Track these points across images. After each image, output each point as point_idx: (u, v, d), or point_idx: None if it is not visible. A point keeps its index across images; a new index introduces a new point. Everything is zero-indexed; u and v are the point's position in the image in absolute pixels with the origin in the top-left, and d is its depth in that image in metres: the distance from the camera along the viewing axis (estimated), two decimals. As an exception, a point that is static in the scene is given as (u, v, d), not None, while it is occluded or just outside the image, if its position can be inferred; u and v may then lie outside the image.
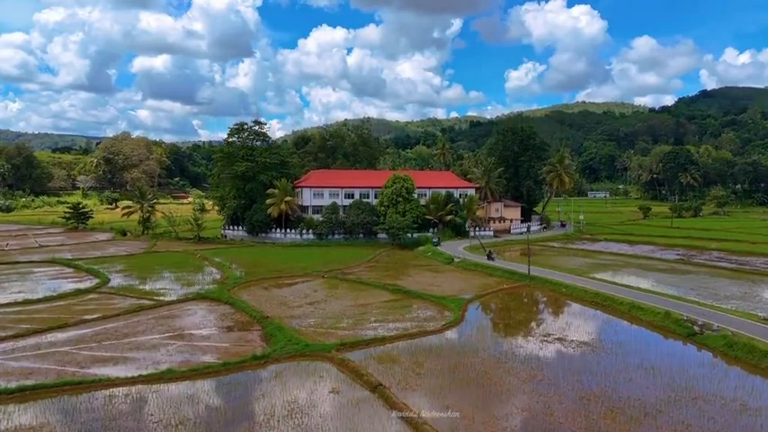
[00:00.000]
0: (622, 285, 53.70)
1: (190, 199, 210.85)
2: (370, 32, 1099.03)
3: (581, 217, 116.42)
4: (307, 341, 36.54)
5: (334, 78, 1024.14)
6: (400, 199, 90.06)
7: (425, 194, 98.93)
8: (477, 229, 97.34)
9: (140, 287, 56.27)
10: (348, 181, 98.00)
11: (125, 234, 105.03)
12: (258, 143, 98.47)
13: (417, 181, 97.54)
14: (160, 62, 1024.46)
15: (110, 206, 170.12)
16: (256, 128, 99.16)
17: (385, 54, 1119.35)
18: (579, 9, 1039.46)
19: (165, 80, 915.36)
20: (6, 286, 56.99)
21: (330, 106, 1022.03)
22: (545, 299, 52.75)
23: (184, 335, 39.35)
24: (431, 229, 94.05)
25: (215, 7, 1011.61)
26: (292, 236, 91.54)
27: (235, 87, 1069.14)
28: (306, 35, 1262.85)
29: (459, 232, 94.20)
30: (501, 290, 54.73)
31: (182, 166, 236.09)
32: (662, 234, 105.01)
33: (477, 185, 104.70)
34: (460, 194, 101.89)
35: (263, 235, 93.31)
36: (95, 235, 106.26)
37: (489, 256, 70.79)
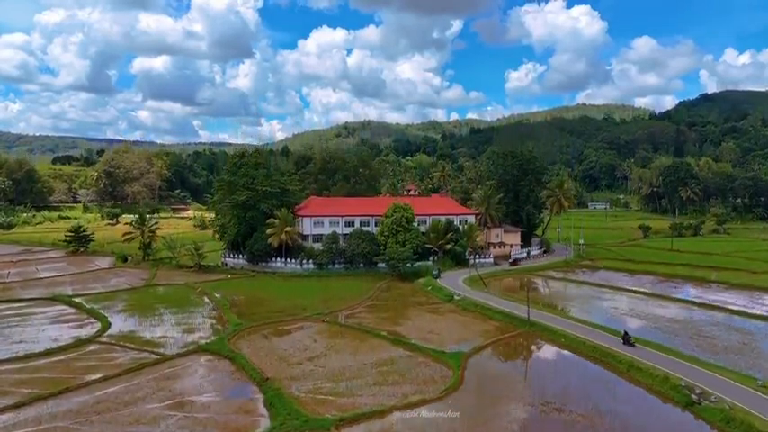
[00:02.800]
0: (621, 336, 53.70)
1: (190, 212, 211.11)
2: (370, 33, 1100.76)
3: (581, 241, 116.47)
4: (306, 414, 36.73)
5: (334, 79, 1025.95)
6: (400, 229, 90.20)
7: (425, 222, 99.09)
8: (476, 256, 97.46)
9: (140, 335, 56.51)
10: (348, 209, 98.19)
11: (126, 260, 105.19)
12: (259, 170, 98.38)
13: (417, 208, 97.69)
14: (160, 63, 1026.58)
15: (110, 222, 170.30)
16: (257, 159, 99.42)
17: (385, 55, 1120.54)
18: (579, 9, 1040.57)
19: (165, 81, 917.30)
20: (8, 333, 57.26)
21: (330, 107, 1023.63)
22: (544, 353, 52.85)
23: (185, 402, 39.52)
24: (431, 257, 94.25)
25: (215, 8, 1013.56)
26: (293, 265, 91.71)
27: (235, 88, 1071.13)
28: (306, 36, 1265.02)
29: (460, 261, 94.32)
30: (500, 340, 54.85)
31: (182, 178, 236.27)
32: (661, 260, 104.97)
33: (477, 212, 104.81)
34: (460, 221, 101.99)
35: (264, 264, 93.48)
36: (96, 260, 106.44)
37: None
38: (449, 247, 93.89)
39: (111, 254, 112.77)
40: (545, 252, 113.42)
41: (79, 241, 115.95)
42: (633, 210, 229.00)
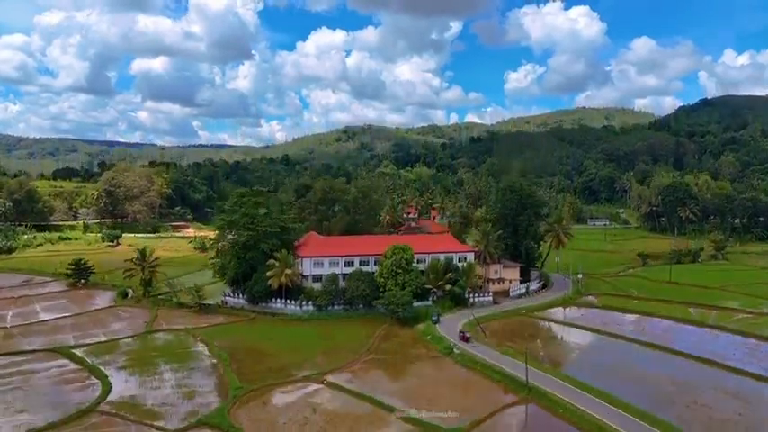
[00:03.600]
0: (620, 407, 54.08)
1: (190, 230, 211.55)
2: (369, 35, 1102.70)
3: (579, 275, 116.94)
4: None
5: (333, 80, 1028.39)
6: (399, 270, 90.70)
7: (425, 260, 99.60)
8: (475, 295, 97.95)
9: (141, 401, 56.93)
10: (347, 249, 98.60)
11: (126, 295, 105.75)
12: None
13: (416, 246, 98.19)
14: (159, 64, 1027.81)
15: (111, 244, 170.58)
16: (257, 198, 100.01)
17: (384, 56, 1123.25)
18: (578, 10, 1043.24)
19: (164, 82, 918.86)
20: (10, 399, 57.71)
21: (330, 108, 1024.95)
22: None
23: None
24: (430, 297, 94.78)
25: (213, 9, 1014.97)
26: (292, 307, 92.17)
27: (234, 89, 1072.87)
28: (305, 37, 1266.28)
29: (459, 301, 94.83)
30: (500, 410, 55.22)
31: (182, 194, 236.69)
32: (659, 296, 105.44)
33: (476, 249, 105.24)
34: (459, 258, 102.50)
35: (264, 304, 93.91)
36: (97, 296, 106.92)
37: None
38: (448, 287, 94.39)
39: (111, 287, 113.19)
40: (544, 286, 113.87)
41: (80, 274, 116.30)
42: (633, 227, 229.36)
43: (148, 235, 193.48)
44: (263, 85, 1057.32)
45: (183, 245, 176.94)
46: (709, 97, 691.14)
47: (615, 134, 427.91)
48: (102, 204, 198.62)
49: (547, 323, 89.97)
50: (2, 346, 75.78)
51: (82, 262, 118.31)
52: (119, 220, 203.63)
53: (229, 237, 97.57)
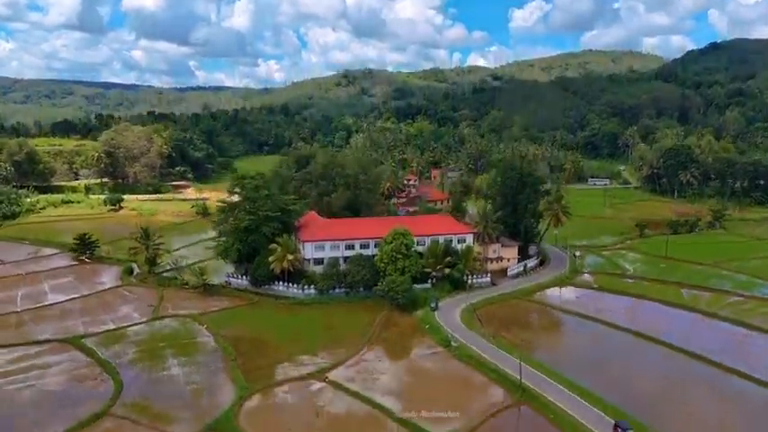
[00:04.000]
0: (607, 410, 56.90)
1: (191, 190, 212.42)
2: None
3: (577, 253, 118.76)
4: None
5: (332, 18, 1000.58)
6: (399, 256, 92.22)
7: (424, 242, 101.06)
8: (474, 277, 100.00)
9: (151, 403, 59.61)
10: (348, 232, 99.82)
11: (132, 272, 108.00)
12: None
13: (416, 229, 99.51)
14: (151, 0, 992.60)
15: (113, 207, 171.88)
16: (258, 182, 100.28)
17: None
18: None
19: (158, 19, 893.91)
20: (25, 402, 60.40)
21: (329, 47, 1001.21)
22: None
23: None
24: (429, 280, 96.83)
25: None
26: (295, 290, 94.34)
27: (230, 27, 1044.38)
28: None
29: (458, 285, 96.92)
30: (494, 414, 57.95)
31: (182, 152, 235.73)
32: (654, 276, 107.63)
33: (476, 230, 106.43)
34: (458, 240, 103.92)
35: (267, 287, 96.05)
36: (103, 274, 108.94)
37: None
38: (447, 271, 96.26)
39: (116, 262, 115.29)
40: (542, 263, 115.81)
41: (85, 249, 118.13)
42: (633, 187, 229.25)
43: (149, 196, 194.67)
44: (260, 23, 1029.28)
45: (184, 208, 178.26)
46: (718, 41, 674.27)
47: (620, 83, 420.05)
48: (102, 165, 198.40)
49: (542, 309, 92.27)
50: (15, 334, 78.41)
51: (87, 237, 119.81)
52: (120, 180, 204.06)
53: (231, 220, 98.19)
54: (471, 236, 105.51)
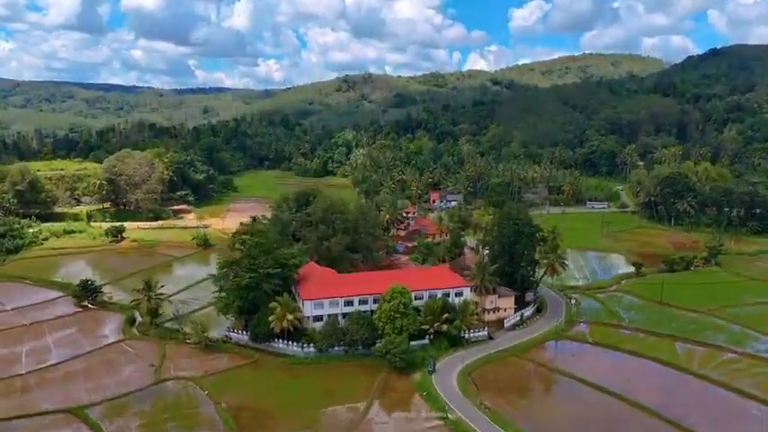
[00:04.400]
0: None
1: (191, 216, 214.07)
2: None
3: (572, 301, 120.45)
4: None
5: (331, 18, 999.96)
6: (398, 315, 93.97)
7: (423, 296, 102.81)
8: (470, 331, 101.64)
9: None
10: (347, 289, 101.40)
11: (134, 322, 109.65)
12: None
13: (414, 283, 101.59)
14: (150, 0, 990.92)
15: (114, 239, 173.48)
16: (258, 238, 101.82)
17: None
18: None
19: (157, 19, 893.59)
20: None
21: (328, 47, 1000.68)
22: None
23: None
24: (427, 336, 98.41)
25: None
26: (294, 348, 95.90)
27: (230, 27, 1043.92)
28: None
29: (455, 342, 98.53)
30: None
31: (183, 175, 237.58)
32: (648, 326, 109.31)
33: (473, 284, 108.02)
34: (456, 293, 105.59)
35: (267, 343, 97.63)
36: (105, 324, 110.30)
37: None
38: (445, 328, 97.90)
39: (119, 310, 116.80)
40: (539, 310, 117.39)
41: (88, 295, 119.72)
42: (631, 211, 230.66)
43: (151, 224, 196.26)
44: (259, 23, 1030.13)
45: (185, 238, 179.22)
46: (718, 47, 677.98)
47: (620, 95, 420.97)
48: (104, 192, 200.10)
49: (538, 369, 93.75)
50: (21, 403, 79.96)
51: (89, 282, 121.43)
52: (121, 207, 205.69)
53: (232, 278, 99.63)
54: (468, 289, 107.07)
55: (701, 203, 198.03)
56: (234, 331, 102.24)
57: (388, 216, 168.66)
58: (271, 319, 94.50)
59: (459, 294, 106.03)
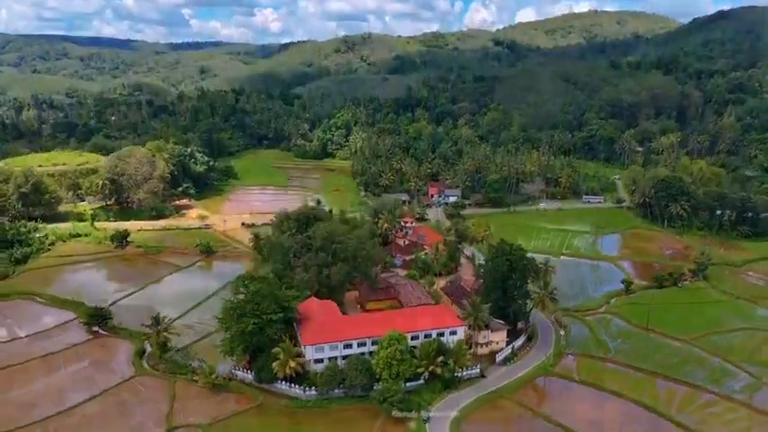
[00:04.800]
0: None
1: (193, 212, 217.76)
2: None
3: (561, 333, 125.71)
4: None
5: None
6: (394, 362, 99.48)
7: (419, 337, 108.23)
8: (463, 370, 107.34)
9: None
10: (347, 332, 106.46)
11: (144, 353, 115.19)
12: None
13: (409, 324, 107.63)
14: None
15: (119, 245, 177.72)
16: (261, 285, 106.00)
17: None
18: None
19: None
20: None
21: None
22: None
23: None
24: (422, 377, 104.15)
25: None
26: (297, 391, 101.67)
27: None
28: None
29: (448, 384, 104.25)
30: None
31: (184, 168, 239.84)
32: (633, 360, 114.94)
33: (467, 323, 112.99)
34: (450, 332, 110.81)
35: (271, 385, 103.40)
36: (117, 356, 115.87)
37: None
38: (439, 371, 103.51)
39: (129, 338, 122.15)
40: (530, 339, 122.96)
41: (99, 321, 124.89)
42: (626, 207, 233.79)
43: (154, 224, 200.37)
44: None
45: (189, 244, 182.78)
46: (726, 8, 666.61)
47: (621, 72, 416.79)
48: (107, 192, 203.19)
49: (525, 413, 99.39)
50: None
51: (101, 309, 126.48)
52: (125, 204, 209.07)
53: (236, 323, 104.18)
54: (462, 328, 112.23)
55: (693, 207, 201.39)
56: (238, 369, 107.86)
57: (386, 225, 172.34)
58: (274, 365, 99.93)
59: (453, 333, 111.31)
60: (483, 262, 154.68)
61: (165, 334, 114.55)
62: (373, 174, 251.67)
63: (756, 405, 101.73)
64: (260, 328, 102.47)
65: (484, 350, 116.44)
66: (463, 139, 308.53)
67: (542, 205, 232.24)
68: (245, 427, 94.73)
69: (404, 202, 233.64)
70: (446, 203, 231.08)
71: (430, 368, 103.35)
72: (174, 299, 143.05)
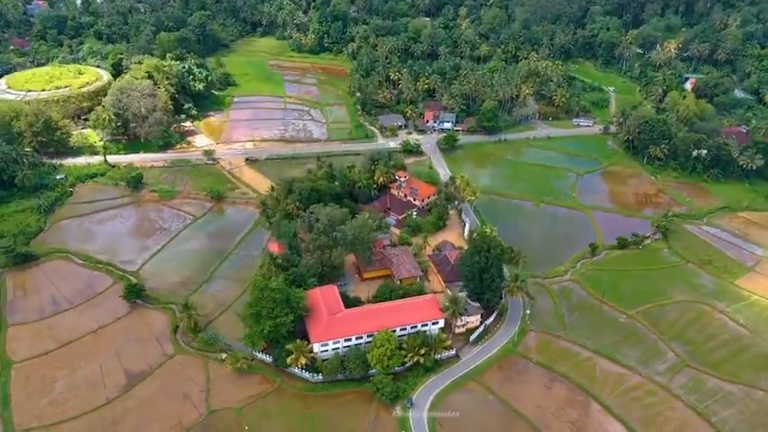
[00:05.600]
0: None
1: (197, 139, 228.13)
2: None
3: (527, 311, 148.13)
4: None
5: None
6: (385, 358, 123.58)
7: (406, 328, 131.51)
8: (441, 354, 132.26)
9: None
10: (347, 330, 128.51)
11: (177, 329, 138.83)
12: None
13: (400, 318, 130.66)
14: None
15: (135, 189, 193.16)
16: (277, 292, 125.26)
17: None
18: None
19: None
20: None
21: None
22: None
23: None
24: (408, 362, 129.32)
25: None
26: (307, 375, 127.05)
27: None
28: None
29: (429, 369, 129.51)
30: None
31: (184, 87, 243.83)
32: (583, 334, 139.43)
33: (447, 316, 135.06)
34: (433, 322, 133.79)
35: (285, 368, 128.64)
36: (156, 329, 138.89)
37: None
38: (422, 360, 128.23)
39: (162, 309, 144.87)
40: (500, 315, 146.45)
41: (135, 294, 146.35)
42: (612, 134, 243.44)
43: (164, 159, 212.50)
44: None
45: (199, 188, 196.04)
46: None
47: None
48: (114, 126, 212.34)
49: (488, 399, 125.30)
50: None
51: (136, 285, 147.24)
52: (131, 136, 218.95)
53: (256, 326, 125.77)
54: (442, 321, 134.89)
55: (672, 150, 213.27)
56: (259, 352, 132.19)
57: (382, 178, 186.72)
58: (288, 360, 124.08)
59: (435, 323, 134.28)
60: (468, 225, 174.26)
61: (195, 317, 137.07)
62: (370, 92, 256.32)
63: (671, 387, 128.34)
64: (275, 327, 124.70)
65: (461, 329, 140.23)
66: (463, 38, 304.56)
67: (532, 136, 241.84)
68: (267, 409, 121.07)
69: (399, 126, 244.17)
70: (441, 129, 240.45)
71: (415, 359, 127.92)
72: (194, 259, 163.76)
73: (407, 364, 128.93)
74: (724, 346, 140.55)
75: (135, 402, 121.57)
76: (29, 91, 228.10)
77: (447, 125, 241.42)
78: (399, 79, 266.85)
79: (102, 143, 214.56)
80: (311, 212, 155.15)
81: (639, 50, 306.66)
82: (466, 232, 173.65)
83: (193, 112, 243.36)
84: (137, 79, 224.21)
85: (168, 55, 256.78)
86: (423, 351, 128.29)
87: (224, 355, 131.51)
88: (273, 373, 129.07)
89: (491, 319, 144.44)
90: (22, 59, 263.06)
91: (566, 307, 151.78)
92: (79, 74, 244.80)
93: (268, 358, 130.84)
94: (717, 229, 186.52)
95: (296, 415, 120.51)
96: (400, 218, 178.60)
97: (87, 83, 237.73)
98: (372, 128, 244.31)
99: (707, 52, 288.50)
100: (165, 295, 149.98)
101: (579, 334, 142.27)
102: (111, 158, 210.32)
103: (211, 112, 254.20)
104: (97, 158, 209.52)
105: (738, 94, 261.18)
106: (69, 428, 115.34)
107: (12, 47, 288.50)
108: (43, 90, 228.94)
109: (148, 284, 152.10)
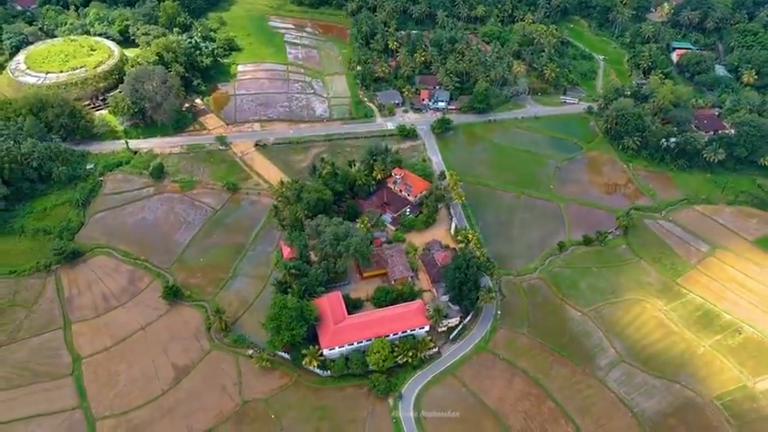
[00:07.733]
0: None
1: (210, 119, 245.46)
2: None
3: (498, 312, 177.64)
4: None
5: None
6: (381, 361, 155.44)
7: (397, 334, 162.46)
8: (426, 352, 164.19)
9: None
10: (351, 335, 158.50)
11: (210, 327, 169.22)
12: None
13: (388, 326, 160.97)
14: None
15: (158, 180, 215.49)
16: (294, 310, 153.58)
17: None
18: None
19: None
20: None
21: None
22: None
23: None
24: (398, 359, 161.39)
25: None
26: (318, 371, 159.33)
27: None
28: None
29: (416, 366, 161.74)
30: None
31: (191, 62, 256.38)
32: (543, 339, 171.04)
33: (431, 322, 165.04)
34: (420, 327, 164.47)
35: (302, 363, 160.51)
36: (193, 327, 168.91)
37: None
38: (409, 360, 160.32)
39: (195, 307, 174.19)
40: (476, 315, 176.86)
41: (173, 294, 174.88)
42: (595, 114, 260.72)
43: (181, 143, 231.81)
44: None
45: (216, 177, 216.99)
46: None
47: None
48: (132, 112, 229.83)
49: (460, 389, 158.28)
50: (179, 426, 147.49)
51: (174, 287, 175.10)
52: (149, 120, 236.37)
53: (277, 336, 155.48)
54: (427, 327, 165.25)
55: (644, 140, 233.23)
56: (279, 350, 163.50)
57: (380, 175, 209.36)
58: (303, 363, 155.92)
59: (422, 328, 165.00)
60: (455, 221, 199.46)
61: (225, 320, 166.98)
62: (369, 66, 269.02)
63: (607, 381, 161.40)
64: (292, 336, 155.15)
65: (443, 328, 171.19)
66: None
67: (521, 116, 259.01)
68: (288, 400, 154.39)
69: (396, 104, 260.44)
70: (436, 108, 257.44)
71: (404, 360, 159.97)
72: (216, 254, 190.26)
73: (398, 363, 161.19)
74: (656, 343, 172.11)
75: (184, 393, 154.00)
76: (48, 73, 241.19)
77: (441, 104, 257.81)
78: (397, 49, 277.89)
79: (122, 129, 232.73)
80: (318, 224, 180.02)
81: (633, 11, 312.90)
82: (452, 229, 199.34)
83: (203, 87, 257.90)
84: (149, 63, 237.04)
85: (176, 30, 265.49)
86: (411, 353, 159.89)
87: (251, 352, 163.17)
88: (291, 368, 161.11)
89: (468, 318, 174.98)
90: (33, 29, 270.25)
91: (531, 305, 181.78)
92: (92, 50, 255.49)
93: (286, 355, 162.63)
94: (671, 224, 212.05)
95: (310, 406, 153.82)
96: (395, 216, 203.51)
97: (101, 61, 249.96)
98: (371, 104, 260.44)
99: (697, 20, 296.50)
100: (196, 292, 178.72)
101: (540, 332, 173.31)
102: (132, 143, 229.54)
103: (219, 84, 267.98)
104: (120, 144, 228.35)
105: (719, 71, 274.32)
106: (136, 416, 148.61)
107: (18, 7, 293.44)
108: (61, 72, 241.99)
109: (180, 281, 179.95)
